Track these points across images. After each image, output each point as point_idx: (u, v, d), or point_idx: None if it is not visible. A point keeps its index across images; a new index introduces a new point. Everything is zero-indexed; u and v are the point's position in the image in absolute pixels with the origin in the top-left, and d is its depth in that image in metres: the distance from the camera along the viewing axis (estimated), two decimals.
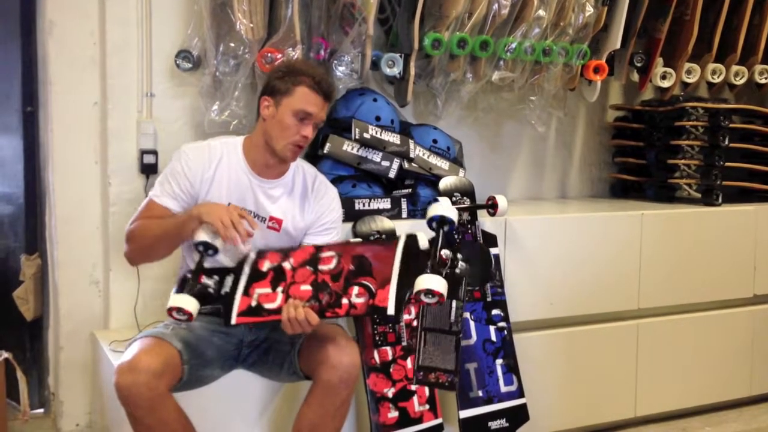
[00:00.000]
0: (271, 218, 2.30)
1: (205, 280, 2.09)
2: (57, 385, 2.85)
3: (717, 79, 3.46)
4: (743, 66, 3.48)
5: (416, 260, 2.10)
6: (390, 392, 2.50)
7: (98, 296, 2.80)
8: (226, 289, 2.10)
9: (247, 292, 2.09)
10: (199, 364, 2.13)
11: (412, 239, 2.16)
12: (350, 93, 2.80)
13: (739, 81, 3.49)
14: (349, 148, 2.68)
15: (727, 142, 3.27)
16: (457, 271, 2.10)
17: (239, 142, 2.33)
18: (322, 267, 2.11)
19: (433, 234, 2.36)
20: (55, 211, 2.75)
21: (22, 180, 2.89)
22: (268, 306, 2.06)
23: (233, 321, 2.06)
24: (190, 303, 2.02)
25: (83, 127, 2.74)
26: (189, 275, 2.11)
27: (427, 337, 2.46)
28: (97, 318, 2.80)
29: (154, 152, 2.73)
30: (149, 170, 2.73)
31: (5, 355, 2.58)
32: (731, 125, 3.29)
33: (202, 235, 2.10)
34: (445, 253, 2.09)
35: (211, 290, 2.09)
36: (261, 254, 2.19)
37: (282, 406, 2.38)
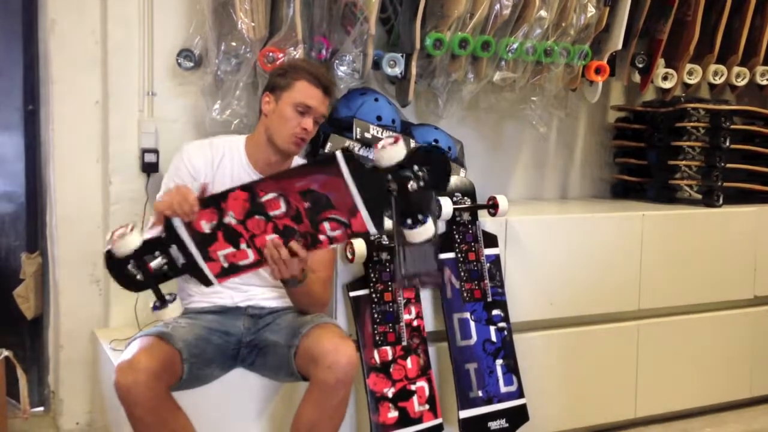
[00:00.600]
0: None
1: (153, 264, 1.98)
2: (57, 383, 2.85)
3: (718, 80, 3.46)
4: (745, 67, 3.48)
5: (368, 176, 1.99)
6: (390, 392, 2.50)
7: (99, 295, 2.81)
8: (181, 260, 2.00)
9: (209, 257, 2.00)
10: (199, 363, 2.13)
11: (349, 155, 2.01)
12: (351, 92, 2.80)
13: (741, 82, 3.49)
14: (350, 144, 2.68)
15: (728, 144, 3.27)
16: (422, 184, 1.97)
17: (241, 141, 2.35)
18: (273, 213, 2.00)
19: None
20: (56, 209, 2.76)
21: (23, 178, 2.89)
22: (243, 263, 2.01)
23: (214, 282, 2.01)
24: (174, 311, 1.99)
25: (84, 126, 2.74)
26: (138, 274, 1.98)
27: (405, 251, 2.37)
28: (97, 317, 2.81)
29: (156, 151, 2.73)
30: (150, 169, 2.73)
31: (5, 353, 2.58)
32: (732, 126, 3.29)
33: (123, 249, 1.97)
34: (411, 185, 1.97)
35: (166, 268, 1.99)
36: None
37: (281, 405, 2.39)
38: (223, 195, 2.01)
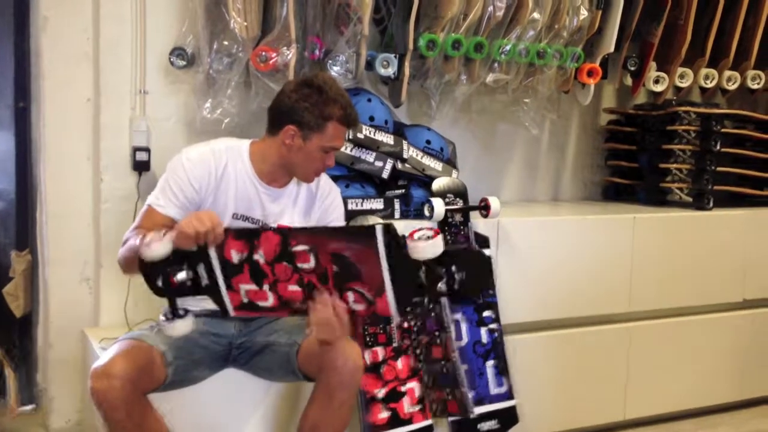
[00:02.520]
0: (279, 226, 2.25)
1: (177, 277, 1.96)
2: (47, 382, 2.83)
3: (710, 84, 3.47)
4: (736, 71, 3.49)
5: (402, 260, 1.95)
6: (381, 393, 2.50)
7: (89, 293, 2.79)
8: (205, 281, 1.99)
9: (231, 287, 1.99)
10: (186, 365, 2.12)
11: (388, 231, 1.96)
12: None
13: (732, 86, 3.50)
14: (343, 147, 2.68)
15: (718, 147, 3.28)
16: (454, 288, 1.94)
17: (245, 148, 2.25)
18: (301, 265, 1.97)
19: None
20: (46, 207, 2.74)
21: (14, 176, 2.87)
22: (262, 304, 1.98)
23: (231, 313, 1.99)
24: (183, 328, 1.96)
25: (76, 124, 2.73)
26: (159, 281, 1.96)
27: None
28: (87, 315, 2.79)
29: (147, 149, 2.72)
30: (141, 167, 2.72)
31: None
32: (723, 130, 3.30)
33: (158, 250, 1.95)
34: (440, 287, 1.94)
35: (189, 284, 1.98)
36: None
37: (275, 405, 2.38)
38: (256, 232, 2.02)
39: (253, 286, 1.98)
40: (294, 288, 1.97)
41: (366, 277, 1.92)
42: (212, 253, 1.98)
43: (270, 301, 1.98)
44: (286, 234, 1.98)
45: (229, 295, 1.99)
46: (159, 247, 1.93)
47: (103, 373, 1.94)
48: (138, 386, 1.96)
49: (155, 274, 1.97)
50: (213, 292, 1.99)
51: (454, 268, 1.95)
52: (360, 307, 1.93)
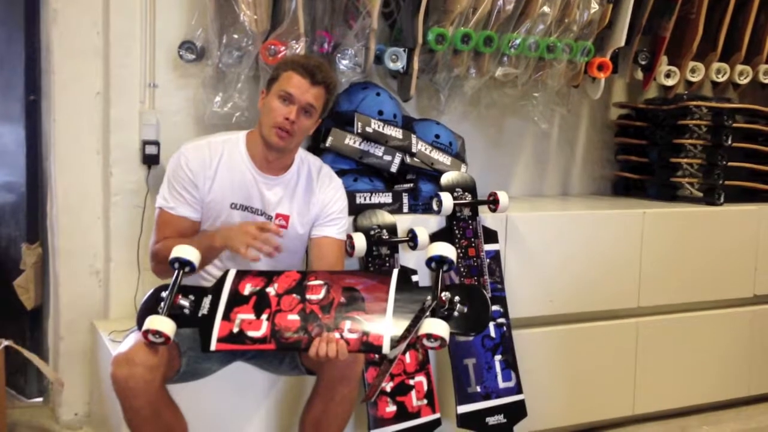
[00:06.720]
0: (278, 215, 2.28)
1: (180, 300, 2.01)
2: (57, 374, 2.85)
3: (721, 79, 3.45)
4: (748, 65, 3.47)
5: (409, 296, 2.03)
6: (388, 386, 2.50)
7: (98, 286, 2.81)
8: (204, 311, 2.01)
9: (228, 317, 1.99)
10: (197, 357, 2.13)
11: (403, 274, 2.11)
12: (353, 87, 2.79)
13: (744, 80, 3.48)
14: (351, 141, 2.68)
15: (730, 142, 3.27)
16: (456, 314, 2.01)
17: (241, 138, 2.30)
18: (310, 296, 2.02)
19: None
20: (57, 200, 2.76)
21: (24, 169, 2.89)
22: (251, 334, 1.96)
23: (212, 347, 1.95)
24: (167, 326, 1.92)
25: (85, 117, 2.74)
26: (164, 294, 2.01)
27: None
28: (97, 308, 2.81)
29: (156, 143, 2.73)
30: (151, 161, 2.73)
31: (5, 342, 2.58)
32: (734, 125, 3.29)
33: (178, 252, 2.03)
34: (445, 295, 2.02)
35: (186, 311, 2.00)
36: (241, 275, 2.10)
37: (282, 397, 2.39)
38: (278, 272, 2.08)
39: (251, 316, 2.00)
40: (293, 317, 2.00)
41: (369, 307, 1.99)
42: (226, 288, 2.05)
43: (261, 331, 1.97)
44: (307, 272, 2.07)
45: (222, 324, 1.99)
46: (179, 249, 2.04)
47: (126, 360, 1.96)
48: (158, 374, 1.98)
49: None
50: (206, 323, 1.99)
51: (457, 298, 2.02)
52: (353, 336, 1.95)
